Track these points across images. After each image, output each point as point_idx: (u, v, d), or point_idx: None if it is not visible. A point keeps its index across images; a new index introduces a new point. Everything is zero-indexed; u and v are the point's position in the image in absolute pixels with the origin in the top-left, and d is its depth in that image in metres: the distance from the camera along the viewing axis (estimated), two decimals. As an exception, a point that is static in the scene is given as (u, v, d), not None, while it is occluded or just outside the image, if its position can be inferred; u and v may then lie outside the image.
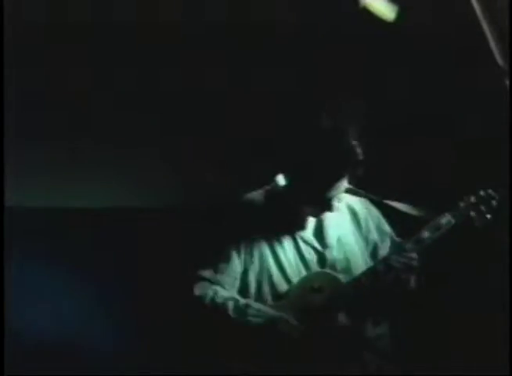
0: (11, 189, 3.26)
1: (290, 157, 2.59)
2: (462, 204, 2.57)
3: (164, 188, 3.99)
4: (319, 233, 2.66)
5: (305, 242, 2.64)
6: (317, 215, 2.63)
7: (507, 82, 2.50)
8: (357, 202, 2.72)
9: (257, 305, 2.56)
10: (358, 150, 2.46)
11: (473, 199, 2.57)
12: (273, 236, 2.63)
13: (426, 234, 2.53)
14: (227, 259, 2.62)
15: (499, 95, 2.59)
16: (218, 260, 2.63)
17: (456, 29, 3.14)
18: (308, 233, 2.66)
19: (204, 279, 2.64)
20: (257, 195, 2.71)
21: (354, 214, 2.70)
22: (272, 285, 2.61)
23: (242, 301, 2.58)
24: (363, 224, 2.69)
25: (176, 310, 3.77)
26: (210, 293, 2.60)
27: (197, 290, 2.63)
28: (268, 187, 2.72)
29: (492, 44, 2.47)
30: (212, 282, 2.62)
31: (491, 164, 2.99)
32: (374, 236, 2.68)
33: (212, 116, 3.80)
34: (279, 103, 3.65)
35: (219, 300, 2.59)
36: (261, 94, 3.67)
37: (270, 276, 2.60)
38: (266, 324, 2.51)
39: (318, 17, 3.36)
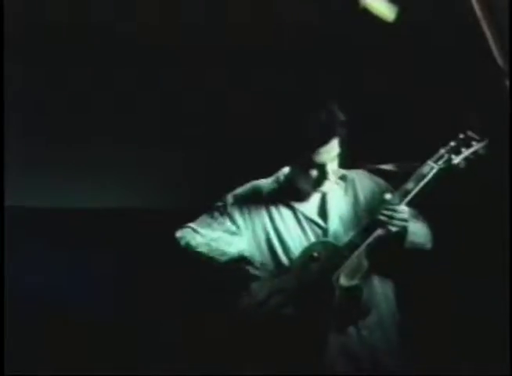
0: (11, 189, 3.26)
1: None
2: (442, 150, 2.59)
3: (164, 188, 3.99)
4: (321, 208, 2.74)
5: (307, 218, 2.72)
6: (316, 185, 2.68)
7: (507, 82, 2.50)
8: (352, 173, 2.79)
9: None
10: (339, 113, 2.59)
11: (453, 143, 2.60)
12: (275, 211, 2.74)
13: (410, 185, 2.55)
14: (220, 217, 2.77)
15: (499, 95, 2.59)
16: (211, 217, 2.79)
17: (456, 29, 3.14)
18: (310, 208, 2.74)
19: (189, 227, 2.82)
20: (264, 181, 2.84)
21: (352, 186, 2.77)
22: (275, 256, 2.70)
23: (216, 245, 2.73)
24: (361, 195, 2.75)
25: (176, 310, 3.79)
26: (188, 236, 2.79)
27: (178, 233, 2.85)
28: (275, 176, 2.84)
29: (492, 44, 2.46)
30: (194, 230, 2.79)
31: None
32: (372, 205, 2.70)
33: (212, 116, 3.80)
34: (278, 103, 3.65)
35: (193, 243, 2.76)
36: (260, 94, 3.67)
37: (271, 247, 2.70)
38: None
39: (317, 17, 3.36)
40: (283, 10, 3.36)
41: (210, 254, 2.72)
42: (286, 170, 2.82)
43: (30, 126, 3.78)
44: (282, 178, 2.82)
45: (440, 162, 2.58)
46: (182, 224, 2.90)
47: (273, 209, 2.76)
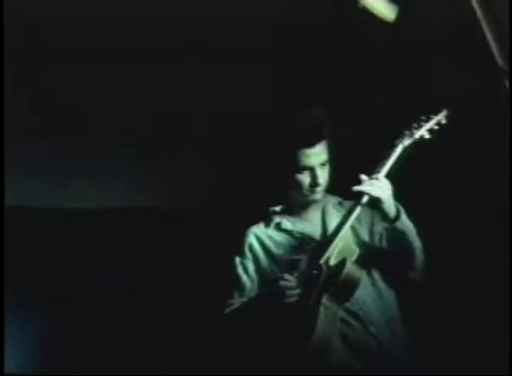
0: (11, 189, 3.26)
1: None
2: (405, 131, 2.65)
3: (164, 188, 3.99)
4: (322, 229, 2.74)
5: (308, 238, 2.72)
6: (307, 192, 2.68)
7: (507, 82, 2.50)
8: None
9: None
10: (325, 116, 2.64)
11: (414, 124, 2.65)
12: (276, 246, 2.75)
13: (379, 167, 2.56)
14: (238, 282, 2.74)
15: (499, 95, 2.59)
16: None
17: (456, 29, 3.14)
18: (311, 229, 2.74)
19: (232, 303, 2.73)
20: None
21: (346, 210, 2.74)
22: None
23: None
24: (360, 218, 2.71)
25: (176, 310, 3.79)
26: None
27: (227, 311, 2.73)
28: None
29: (492, 44, 2.47)
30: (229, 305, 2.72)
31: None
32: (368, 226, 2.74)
33: (212, 116, 3.81)
34: (277, 102, 3.66)
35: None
36: (260, 94, 3.67)
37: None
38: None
39: (317, 17, 3.36)
40: (282, 10, 3.36)
41: None
42: (274, 208, 2.82)
43: (30, 126, 3.78)
44: (273, 212, 2.82)
45: (404, 139, 2.61)
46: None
47: (271, 244, 2.75)
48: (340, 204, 2.81)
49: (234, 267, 2.74)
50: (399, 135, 2.64)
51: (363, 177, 2.54)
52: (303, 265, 2.61)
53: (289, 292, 2.50)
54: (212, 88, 3.71)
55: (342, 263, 2.54)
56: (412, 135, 2.62)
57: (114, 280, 3.89)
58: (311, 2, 3.25)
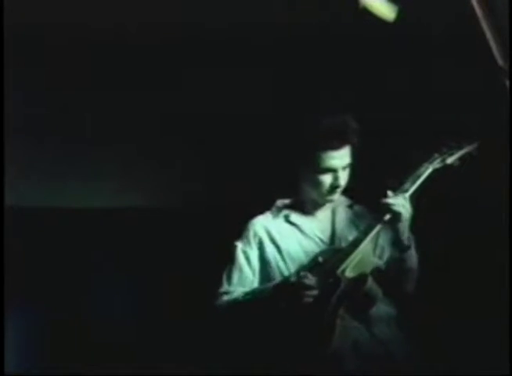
0: (11, 189, 3.27)
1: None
2: (436, 154, 2.71)
3: (164, 188, 3.99)
4: (330, 229, 2.77)
5: (316, 236, 2.74)
6: (327, 193, 2.71)
7: (507, 82, 2.50)
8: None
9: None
10: (353, 121, 2.67)
11: (445, 148, 2.73)
12: (280, 236, 2.76)
13: (407, 185, 2.62)
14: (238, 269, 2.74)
15: (499, 95, 2.59)
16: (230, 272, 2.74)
17: (456, 29, 3.14)
18: (317, 228, 2.76)
19: (222, 293, 2.74)
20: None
21: (356, 213, 2.81)
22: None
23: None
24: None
25: (176, 309, 3.79)
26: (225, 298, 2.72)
27: (218, 303, 2.74)
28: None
29: (492, 44, 2.46)
30: (226, 293, 2.73)
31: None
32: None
33: (213, 116, 3.81)
34: (278, 103, 3.66)
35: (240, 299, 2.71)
36: (261, 94, 3.67)
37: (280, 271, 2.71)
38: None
39: (317, 17, 3.36)
40: (281, 11, 3.35)
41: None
42: (283, 201, 2.85)
43: (30, 126, 3.78)
44: (282, 205, 2.84)
45: (434, 162, 2.68)
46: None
47: (277, 236, 2.77)
48: (350, 206, 2.84)
49: (235, 254, 2.76)
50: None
51: (390, 193, 2.59)
52: (313, 268, 2.62)
53: (308, 292, 2.52)
54: (212, 88, 3.71)
55: (363, 278, 2.57)
56: (444, 160, 2.69)
57: (114, 279, 3.90)
58: (313, 2, 3.25)
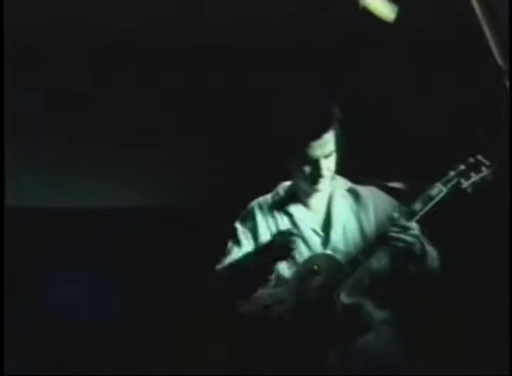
0: (11, 189, 3.27)
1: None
2: (452, 173, 2.59)
3: (164, 188, 3.99)
4: (325, 218, 2.72)
5: (306, 226, 2.70)
6: (311, 183, 2.66)
7: (507, 82, 2.50)
8: (366, 190, 2.77)
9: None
10: (334, 107, 2.62)
11: (462, 166, 2.59)
12: (275, 221, 2.74)
13: (418, 206, 2.54)
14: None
15: (499, 95, 2.59)
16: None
17: (456, 29, 3.14)
18: (311, 217, 2.72)
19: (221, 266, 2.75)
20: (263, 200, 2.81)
21: (365, 203, 2.73)
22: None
23: None
24: (372, 213, 2.71)
25: (176, 309, 3.79)
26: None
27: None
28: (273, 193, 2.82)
29: (492, 44, 2.46)
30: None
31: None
32: (382, 223, 2.66)
33: (213, 116, 3.81)
34: (279, 102, 3.66)
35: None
36: (261, 94, 3.67)
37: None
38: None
39: (317, 17, 3.36)
40: (282, 11, 3.36)
41: None
42: (285, 184, 2.82)
43: (31, 126, 3.78)
44: (281, 191, 2.81)
45: (449, 185, 2.56)
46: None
47: (272, 221, 2.75)
48: (349, 190, 2.77)
49: (235, 234, 2.76)
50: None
51: (396, 214, 2.53)
52: (309, 275, 2.60)
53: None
54: (212, 88, 3.71)
55: (359, 306, 2.56)
56: (459, 184, 2.57)
57: (114, 279, 3.90)
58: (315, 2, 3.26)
